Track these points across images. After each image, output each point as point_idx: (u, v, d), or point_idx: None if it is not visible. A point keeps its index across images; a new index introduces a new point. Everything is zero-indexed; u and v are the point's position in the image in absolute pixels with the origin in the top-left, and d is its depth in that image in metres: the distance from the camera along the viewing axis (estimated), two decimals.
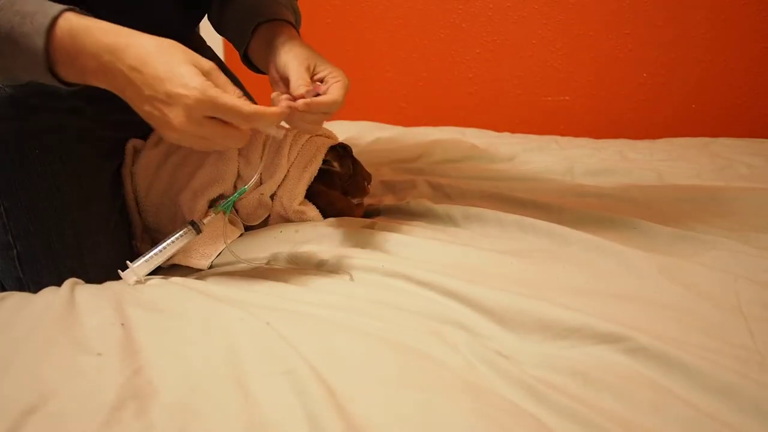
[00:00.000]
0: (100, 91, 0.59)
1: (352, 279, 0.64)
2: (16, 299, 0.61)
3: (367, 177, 0.88)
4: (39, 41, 0.53)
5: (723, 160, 1.18)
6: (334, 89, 0.65)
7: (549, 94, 1.69)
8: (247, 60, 0.81)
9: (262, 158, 0.79)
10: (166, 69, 0.53)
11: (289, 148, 0.79)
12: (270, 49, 0.72)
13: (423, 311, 0.58)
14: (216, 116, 0.54)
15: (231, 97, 0.54)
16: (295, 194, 0.79)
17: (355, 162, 0.87)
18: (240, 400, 0.44)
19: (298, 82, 0.65)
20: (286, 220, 0.81)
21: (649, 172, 1.10)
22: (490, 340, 0.54)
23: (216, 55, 1.02)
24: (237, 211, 0.80)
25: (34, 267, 0.71)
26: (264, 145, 0.80)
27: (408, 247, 0.71)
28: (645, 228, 0.77)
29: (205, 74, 0.54)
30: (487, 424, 0.41)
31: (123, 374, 0.46)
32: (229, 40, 0.85)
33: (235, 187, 0.79)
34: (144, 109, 0.55)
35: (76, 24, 0.54)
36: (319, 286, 0.64)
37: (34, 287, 0.69)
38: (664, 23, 1.54)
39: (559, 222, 0.77)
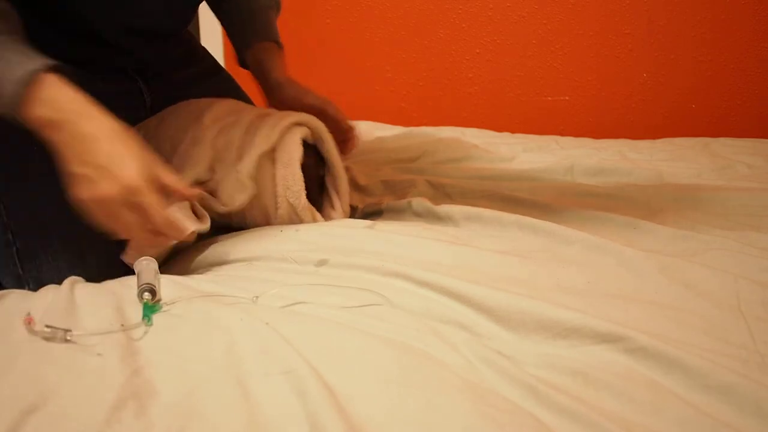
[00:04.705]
0: (100, 91, 0.59)
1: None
2: (16, 297, 0.61)
3: (343, 197, 0.85)
4: (20, 89, 0.57)
5: (723, 160, 1.18)
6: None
7: (549, 94, 1.69)
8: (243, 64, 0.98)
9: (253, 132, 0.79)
10: (116, 149, 0.59)
11: (270, 130, 0.79)
12: (265, 81, 0.93)
13: (423, 311, 0.58)
14: (139, 205, 0.58)
15: (155, 198, 0.59)
16: (294, 191, 0.78)
17: (323, 168, 0.85)
18: (240, 400, 0.44)
19: None
20: (292, 222, 0.81)
21: (649, 172, 1.09)
22: (490, 339, 0.54)
23: (210, 54, 1.02)
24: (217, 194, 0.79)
25: (33, 265, 0.71)
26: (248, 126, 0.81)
27: (408, 247, 0.71)
28: (645, 228, 0.77)
29: (151, 169, 0.59)
30: (488, 424, 0.41)
31: (123, 374, 0.46)
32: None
33: (213, 170, 0.78)
34: (76, 169, 0.59)
35: (47, 88, 0.58)
36: (318, 285, 0.64)
37: (34, 285, 0.69)
38: (664, 23, 1.54)
39: (559, 222, 0.77)
